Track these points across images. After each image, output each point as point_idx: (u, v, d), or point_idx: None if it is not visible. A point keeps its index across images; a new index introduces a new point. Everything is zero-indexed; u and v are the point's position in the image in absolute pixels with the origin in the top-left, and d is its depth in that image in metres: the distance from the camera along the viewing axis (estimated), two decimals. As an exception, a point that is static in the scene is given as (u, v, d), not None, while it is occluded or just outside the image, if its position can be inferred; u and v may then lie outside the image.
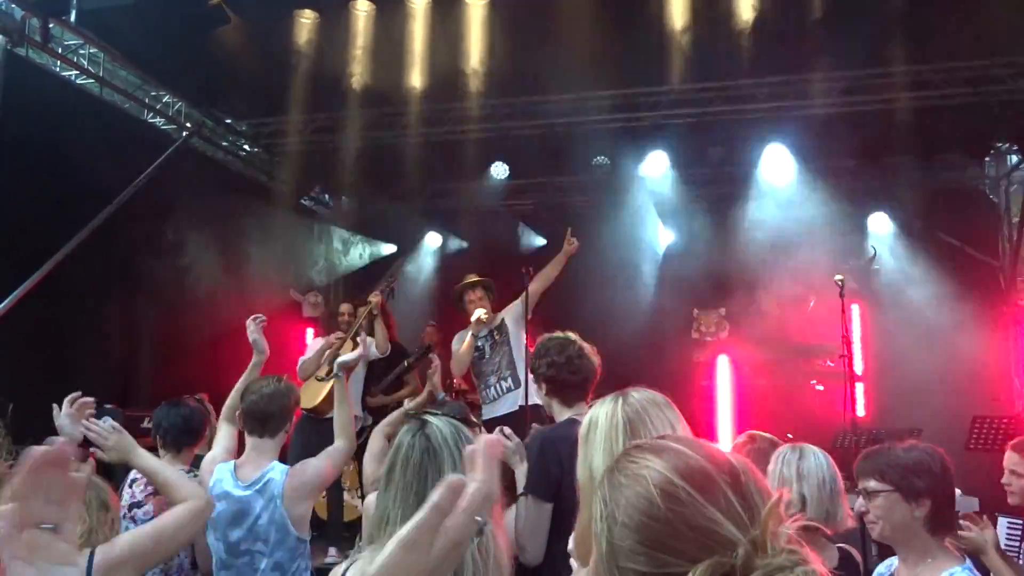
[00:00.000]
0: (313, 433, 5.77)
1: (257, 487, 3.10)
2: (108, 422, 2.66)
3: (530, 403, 5.56)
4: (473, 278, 6.34)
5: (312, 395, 6.33)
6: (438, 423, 1.87)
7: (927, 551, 2.28)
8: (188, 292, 7.70)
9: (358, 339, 6.22)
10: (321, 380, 6.37)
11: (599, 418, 1.97)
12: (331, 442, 3.44)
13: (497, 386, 6.14)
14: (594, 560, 1.00)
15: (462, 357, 6.13)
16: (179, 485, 2.56)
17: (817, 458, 2.79)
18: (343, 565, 1.95)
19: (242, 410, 3.36)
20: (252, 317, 3.97)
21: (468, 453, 1.03)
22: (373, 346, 6.44)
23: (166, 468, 2.69)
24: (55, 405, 2.75)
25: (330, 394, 6.00)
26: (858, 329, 8.58)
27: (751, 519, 0.93)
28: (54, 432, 3.01)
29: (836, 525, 2.73)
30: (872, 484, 2.33)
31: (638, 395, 1.97)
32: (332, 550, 6.36)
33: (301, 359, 6.68)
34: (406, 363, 7.06)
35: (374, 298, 6.46)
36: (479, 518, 0.98)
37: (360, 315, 6.50)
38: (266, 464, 3.16)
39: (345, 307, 6.96)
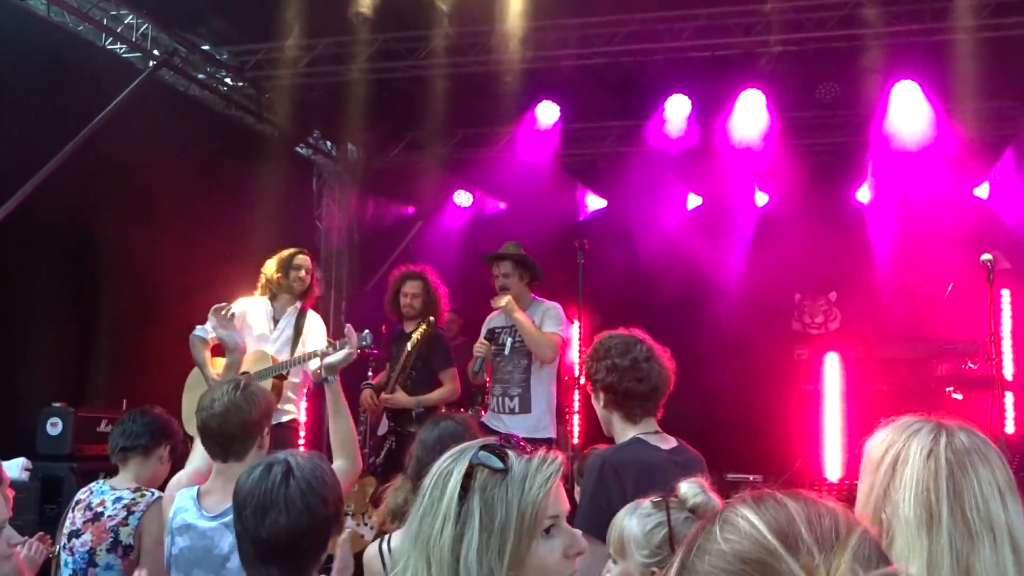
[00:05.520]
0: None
1: (225, 519, 2.99)
2: None
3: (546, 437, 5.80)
4: (507, 249, 6.06)
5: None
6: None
7: None
8: (157, 262, 7.76)
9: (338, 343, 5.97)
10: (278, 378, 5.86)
11: (912, 454, 1.90)
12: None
13: (500, 400, 6.06)
14: None
15: (473, 368, 6.12)
16: None
17: None
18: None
19: (197, 429, 3.25)
20: (215, 307, 3.96)
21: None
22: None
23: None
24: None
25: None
26: (1009, 322, 8.36)
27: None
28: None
29: None
30: None
31: (965, 437, 1.91)
32: None
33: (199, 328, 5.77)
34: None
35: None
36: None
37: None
38: None
39: (302, 259, 6.22)
